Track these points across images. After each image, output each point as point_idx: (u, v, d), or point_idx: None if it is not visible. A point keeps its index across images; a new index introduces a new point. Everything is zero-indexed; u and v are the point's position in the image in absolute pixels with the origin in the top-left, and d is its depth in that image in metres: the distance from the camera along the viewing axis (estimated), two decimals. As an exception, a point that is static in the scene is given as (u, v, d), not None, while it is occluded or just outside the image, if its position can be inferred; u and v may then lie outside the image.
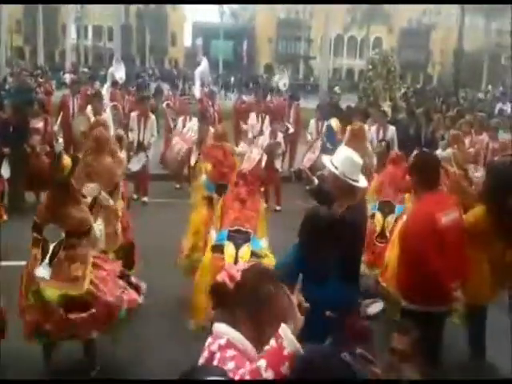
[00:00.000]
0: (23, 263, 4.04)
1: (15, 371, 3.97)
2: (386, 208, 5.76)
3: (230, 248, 4.11)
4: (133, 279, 4.43)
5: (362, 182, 3.59)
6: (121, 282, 4.20)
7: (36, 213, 4.04)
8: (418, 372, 2.77)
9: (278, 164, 9.15)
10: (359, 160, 3.64)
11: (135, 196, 9.08)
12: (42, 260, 3.87)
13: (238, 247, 4.11)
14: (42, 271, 3.81)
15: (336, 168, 3.50)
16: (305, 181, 3.84)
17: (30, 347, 3.96)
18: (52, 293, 3.76)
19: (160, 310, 5.01)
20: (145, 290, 4.36)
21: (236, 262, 3.99)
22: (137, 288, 4.31)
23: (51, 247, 3.91)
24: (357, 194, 3.57)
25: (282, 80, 11.80)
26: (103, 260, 4.24)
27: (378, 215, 5.74)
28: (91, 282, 3.90)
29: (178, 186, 10.10)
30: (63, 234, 3.92)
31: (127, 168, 7.89)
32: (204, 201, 5.49)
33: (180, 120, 10.06)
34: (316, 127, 10.37)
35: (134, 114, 9.48)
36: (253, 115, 10.68)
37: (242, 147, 8.24)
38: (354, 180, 3.49)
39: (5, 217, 6.42)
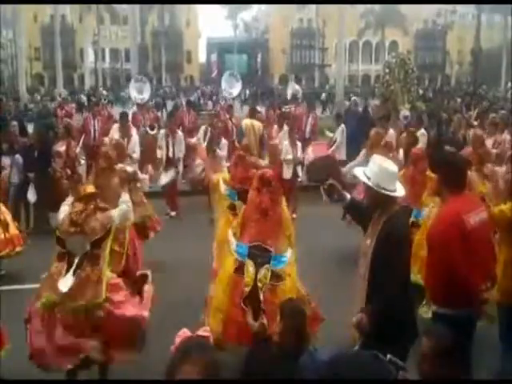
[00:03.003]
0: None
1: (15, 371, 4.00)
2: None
3: (250, 268, 4.05)
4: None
5: (400, 191, 3.51)
6: (135, 297, 4.23)
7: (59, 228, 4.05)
8: (448, 375, 2.69)
9: (298, 172, 9.16)
10: (394, 168, 3.54)
11: (173, 213, 9.27)
12: (67, 272, 3.88)
13: (257, 268, 4.03)
14: (65, 283, 3.83)
15: (369, 178, 3.43)
16: (336, 196, 3.72)
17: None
18: (70, 302, 3.80)
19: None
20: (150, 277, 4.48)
21: (255, 283, 3.96)
22: (145, 277, 4.45)
23: (76, 260, 3.91)
24: (395, 203, 3.50)
25: (293, 90, 11.77)
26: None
27: None
28: (109, 301, 3.91)
29: (172, 214, 9.36)
30: (87, 247, 3.93)
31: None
32: (228, 209, 5.39)
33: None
34: None
35: (162, 132, 9.62)
36: (275, 127, 10.65)
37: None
38: (389, 190, 3.41)
39: (18, 248, 6.40)
